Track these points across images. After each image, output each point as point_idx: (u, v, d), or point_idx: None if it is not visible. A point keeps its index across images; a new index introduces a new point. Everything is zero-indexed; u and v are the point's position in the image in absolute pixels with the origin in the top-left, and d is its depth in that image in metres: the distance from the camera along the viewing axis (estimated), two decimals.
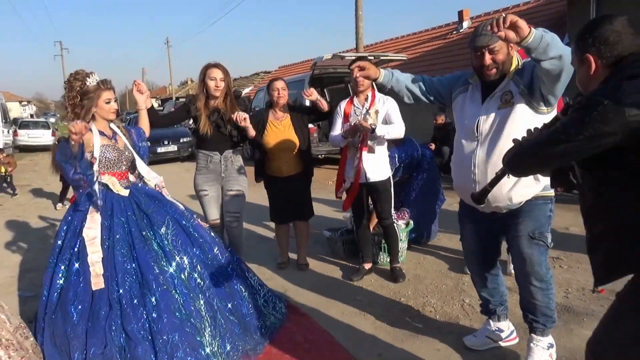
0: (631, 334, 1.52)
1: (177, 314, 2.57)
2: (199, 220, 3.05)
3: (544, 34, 2.02)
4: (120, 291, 2.56)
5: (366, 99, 3.79)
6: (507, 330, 2.80)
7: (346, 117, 3.85)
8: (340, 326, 3.16)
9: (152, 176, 3.02)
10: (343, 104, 3.92)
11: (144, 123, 3.25)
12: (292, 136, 4.00)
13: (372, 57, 9.07)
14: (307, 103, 9.48)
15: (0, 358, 2.35)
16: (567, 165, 1.73)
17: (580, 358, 2.53)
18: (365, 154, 3.74)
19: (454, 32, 14.45)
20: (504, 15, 2.00)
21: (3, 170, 9.28)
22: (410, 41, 16.18)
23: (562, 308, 3.18)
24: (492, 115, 2.39)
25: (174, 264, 2.71)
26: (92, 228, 2.66)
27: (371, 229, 4.24)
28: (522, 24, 2.00)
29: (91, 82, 2.80)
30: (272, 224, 4.53)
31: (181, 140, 14.21)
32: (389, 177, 3.90)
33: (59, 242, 2.73)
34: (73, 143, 2.56)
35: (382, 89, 2.79)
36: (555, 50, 2.03)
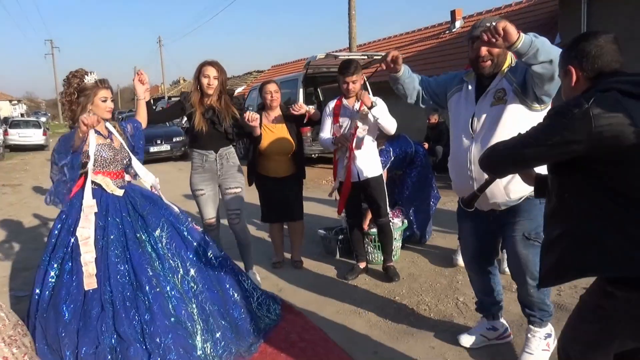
0: (589, 334, 1.63)
1: (169, 316, 2.56)
2: (193, 223, 3.05)
3: (533, 39, 2.03)
4: (113, 292, 2.55)
5: (356, 100, 3.78)
6: (501, 328, 2.82)
7: (336, 117, 3.85)
8: (335, 325, 3.17)
9: (148, 177, 3.01)
10: (332, 104, 3.91)
11: (142, 114, 3.23)
12: (287, 138, 4.01)
13: (366, 57, 9.09)
14: (301, 102, 9.47)
15: (5, 355, 2.34)
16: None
17: None
18: (355, 153, 3.74)
19: (447, 31, 14.50)
20: (494, 24, 2.01)
21: None
22: (403, 41, 16.21)
23: (555, 306, 3.19)
24: (486, 112, 2.41)
25: (167, 266, 2.71)
26: (86, 227, 2.64)
27: (365, 227, 4.25)
28: (511, 29, 2.01)
29: (89, 80, 2.80)
30: (266, 224, 4.53)
31: (174, 140, 14.16)
32: (381, 174, 3.91)
33: (53, 241, 2.72)
34: (81, 135, 2.59)
35: (395, 83, 2.72)
36: (545, 55, 2.05)
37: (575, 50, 1.63)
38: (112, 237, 2.67)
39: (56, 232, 2.74)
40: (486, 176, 2.14)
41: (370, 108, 3.54)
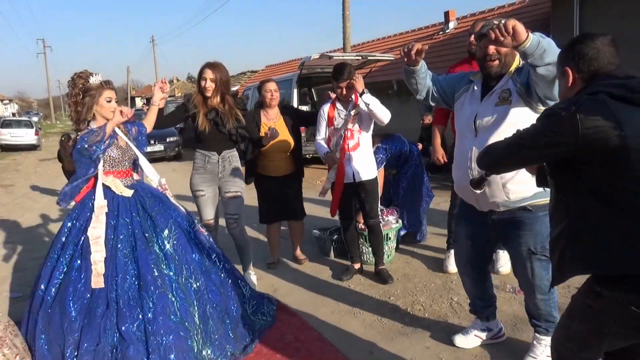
0: (580, 333, 1.67)
1: (172, 316, 2.58)
2: (199, 225, 3.07)
3: (541, 40, 2.02)
4: (119, 291, 2.58)
5: (349, 102, 3.79)
6: (495, 328, 2.84)
7: (330, 120, 3.86)
8: (330, 325, 3.18)
9: (154, 176, 3.03)
10: (326, 108, 3.91)
11: (150, 120, 3.25)
12: (287, 137, 4.03)
13: (360, 57, 9.10)
14: (295, 104, 9.48)
15: None
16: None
17: None
18: (350, 155, 3.76)
19: (441, 32, 14.55)
20: (503, 22, 1.99)
21: None
22: (397, 41, 16.23)
23: (563, 308, 3.20)
24: (490, 112, 2.39)
25: (173, 267, 2.73)
26: (97, 228, 2.69)
27: (360, 225, 4.24)
28: (520, 28, 1.99)
29: (94, 80, 2.85)
30: (263, 225, 4.53)
31: (168, 140, 14.11)
32: (376, 177, 3.91)
33: (62, 239, 2.77)
34: (114, 126, 2.75)
35: (409, 76, 2.66)
36: (552, 57, 2.02)
37: (573, 52, 1.66)
38: (121, 236, 2.71)
39: (66, 230, 2.78)
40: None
41: (361, 95, 3.55)
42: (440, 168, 4.07)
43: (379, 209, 3.98)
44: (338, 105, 3.84)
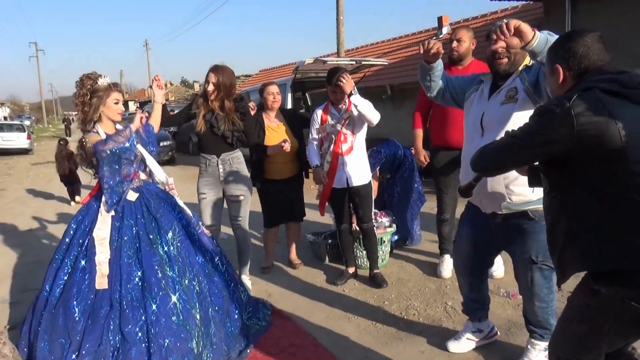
0: (578, 335, 1.66)
1: (174, 318, 2.59)
2: (203, 227, 3.07)
3: (549, 37, 2.02)
4: (122, 292, 2.59)
5: (343, 105, 3.79)
6: (486, 329, 2.84)
7: (322, 123, 3.87)
8: (324, 330, 3.17)
9: (161, 176, 3.04)
10: (319, 112, 3.92)
11: (156, 118, 3.25)
12: (290, 139, 4.03)
13: (354, 62, 9.11)
14: (289, 107, 9.47)
15: None
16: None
17: None
18: (344, 159, 3.76)
19: (434, 37, 14.62)
20: (506, 21, 2.00)
21: None
22: (391, 46, 16.30)
23: (559, 313, 3.21)
24: (496, 110, 2.38)
25: (176, 269, 2.73)
26: (103, 229, 2.72)
27: (355, 227, 4.23)
28: (526, 28, 2.00)
29: (102, 82, 2.87)
30: (259, 228, 4.52)
31: (161, 144, 14.03)
32: (370, 182, 3.92)
33: (67, 240, 2.80)
34: (136, 128, 2.84)
35: (425, 73, 2.64)
36: None
37: (563, 50, 1.66)
38: (125, 238, 2.72)
39: (71, 232, 2.81)
40: None
41: (349, 96, 3.57)
42: (430, 172, 4.10)
43: (372, 213, 3.98)
44: (331, 108, 3.85)
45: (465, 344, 2.81)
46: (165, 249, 2.75)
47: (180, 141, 16.51)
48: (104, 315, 2.56)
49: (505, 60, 2.37)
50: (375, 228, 4.05)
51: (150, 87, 3.29)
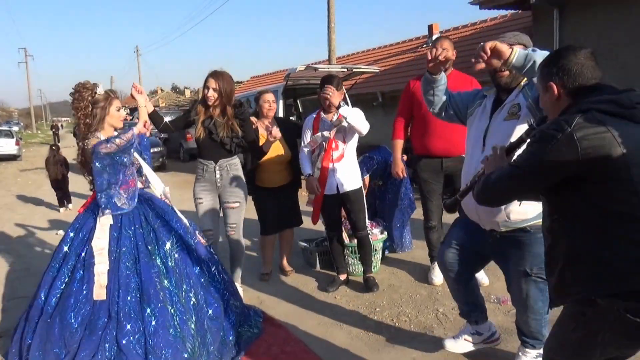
0: (573, 342, 1.66)
1: (171, 330, 2.57)
2: (200, 237, 3.06)
3: (530, 53, 2.06)
4: (120, 303, 2.57)
5: (334, 114, 3.82)
6: (486, 332, 2.82)
7: (315, 130, 3.88)
8: (316, 337, 3.17)
9: (158, 184, 3.02)
10: (311, 120, 3.94)
11: (142, 119, 3.22)
12: (284, 147, 4.06)
13: (345, 69, 9.16)
14: (280, 115, 9.49)
15: None
16: None
17: None
18: (334, 165, 3.77)
19: (424, 45, 14.73)
20: (482, 44, 2.06)
21: None
22: (382, 53, 16.39)
23: (553, 320, 3.22)
24: (498, 126, 2.38)
25: (173, 280, 2.72)
26: (102, 238, 2.69)
27: (346, 239, 4.25)
28: (502, 47, 2.06)
29: (100, 91, 2.86)
30: (251, 236, 4.51)
31: (152, 151, 13.94)
32: (361, 187, 3.94)
33: (65, 248, 2.76)
34: (138, 132, 2.80)
35: (428, 86, 2.61)
36: None
37: (556, 67, 1.66)
38: (124, 249, 2.70)
39: (68, 240, 2.77)
40: None
41: (338, 108, 3.61)
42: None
43: (366, 221, 3.99)
44: (323, 115, 3.87)
45: (462, 344, 2.80)
46: (164, 260, 2.74)
47: (171, 148, 16.45)
48: (101, 326, 2.54)
49: (507, 73, 2.37)
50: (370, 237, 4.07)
51: (132, 96, 3.26)
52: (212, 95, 3.53)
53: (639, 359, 1.78)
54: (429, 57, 2.48)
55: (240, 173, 3.78)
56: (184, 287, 2.76)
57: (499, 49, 2.07)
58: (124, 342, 2.49)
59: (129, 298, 2.59)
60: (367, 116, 3.78)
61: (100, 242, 2.68)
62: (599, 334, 1.57)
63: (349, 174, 3.82)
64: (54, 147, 9.06)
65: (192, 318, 2.69)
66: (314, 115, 3.95)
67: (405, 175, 4.13)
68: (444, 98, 2.66)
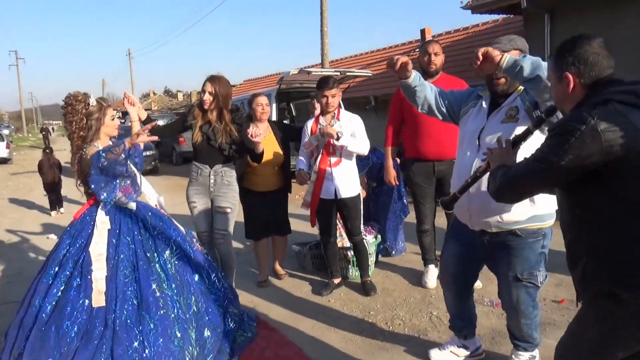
0: (592, 339, 1.62)
1: (172, 338, 2.54)
2: (198, 244, 3.05)
3: (518, 59, 2.13)
4: (117, 312, 2.53)
5: (333, 117, 3.83)
6: (472, 346, 2.83)
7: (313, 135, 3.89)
8: (310, 341, 3.16)
9: (152, 194, 3.02)
10: (309, 124, 3.95)
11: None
12: (276, 151, 4.05)
13: (338, 73, 9.18)
14: (274, 119, 9.50)
15: None
16: None
17: None
18: (332, 170, 3.78)
19: (417, 49, 14.80)
20: (476, 50, 2.13)
21: None
22: (375, 57, 16.45)
23: (545, 323, 3.22)
24: (495, 128, 2.37)
25: (174, 287, 2.70)
26: (100, 244, 2.66)
27: (339, 244, 4.25)
28: (493, 52, 2.14)
29: (92, 102, 2.83)
30: (244, 239, 4.49)
31: (144, 154, 13.88)
32: (359, 194, 3.93)
33: (61, 255, 2.70)
34: (130, 145, 2.73)
35: (406, 89, 2.63)
36: (530, 72, 2.09)
37: (572, 56, 1.61)
38: (122, 256, 2.67)
39: (65, 246, 2.72)
40: (483, 188, 2.15)
41: (337, 139, 3.62)
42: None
43: (361, 226, 4.00)
44: (321, 120, 3.87)
45: (448, 356, 2.80)
46: (163, 267, 2.72)
47: (163, 151, 16.39)
48: (97, 335, 2.49)
49: (503, 80, 2.38)
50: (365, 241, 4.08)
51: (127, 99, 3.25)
52: (207, 98, 3.52)
53: None
54: (390, 69, 2.53)
55: (234, 179, 3.77)
56: (185, 294, 2.74)
57: (490, 55, 2.14)
58: (120, 351, 2.44)
59: (126, 306, 2.55)
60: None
61: (99, 247, 2.64)
62: (620, 328, 1.54)
63: (347, 180, 3.81)
64: (47, 151, 9.03)
65: (192, 326, 2.67)
66: (313, 120, 3.97)
67: (397, 182, 4.14)
68: (430, 98, 2.65)
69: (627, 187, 1.51)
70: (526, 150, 1.95)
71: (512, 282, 2.42)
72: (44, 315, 2.57)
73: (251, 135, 3.46)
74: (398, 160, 5.13)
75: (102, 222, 2.71)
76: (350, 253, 4.21)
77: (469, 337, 2.82)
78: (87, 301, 2.55)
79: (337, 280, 4.09)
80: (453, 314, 2.82)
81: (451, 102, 2.67)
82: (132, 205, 2.82)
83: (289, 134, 4.27)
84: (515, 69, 2.12)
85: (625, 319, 1.53)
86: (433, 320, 3.38)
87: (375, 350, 3.01)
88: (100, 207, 2.76)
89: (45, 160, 8.70)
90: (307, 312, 3.62)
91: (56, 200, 8.51)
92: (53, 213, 8.38)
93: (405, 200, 4.88)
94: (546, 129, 2.07)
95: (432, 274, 4.01)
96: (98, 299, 2.55)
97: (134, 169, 2.93)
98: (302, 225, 6.13)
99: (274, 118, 9.81)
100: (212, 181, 3.66)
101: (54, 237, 6.21)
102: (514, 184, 1.73)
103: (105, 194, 2.71)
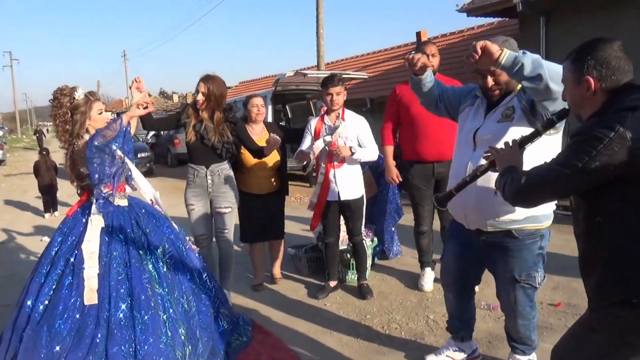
0: (598, 345, 1.60)
1: (162, 337, 2.51)
2: (191, 243, 3.02)
3: (519, 55, 2.05)
4: (110, 311, 2.50)
5: (337, 117, 3.81)
6: (468, 350, 2.81)
7: (317, 134, 3.86)
8: (306, 344, 3.14)
9: (148, 189, 2.96)
10: (314, 122, 3.93)
11: (133, 120, 3.16)
12: (273, 153, 3.99)
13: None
14: (269, 120, 9.48)
15: None
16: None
17: None
18: (335, 172, 3.76)
19: (413, 52, 14.80)
20: (474, 43, 2.05)
21: None
22: (370, 60, 16.46)
23: (543, 326, 3.21)
24: (491, 127, 2.36)
25: (165, 286, 2.66)
26: (92, 241, 2.61)
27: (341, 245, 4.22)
28: (492, 47, 2.05)
29: (79, 95, 2.77)
30: (239, 242, 4.46)
31: (139, 156, 13.84)
32: (362, 196, 3.91)
33: (52, 253, 2.67)
34: (129, 119, 2.65)
35: (416, 85, 2.62)
36: (531, 70, 2.03)
37: (594, 60, 1.56)
38: (115, 253, 2.63)
39: (56, 244, 2.69)
40: (480, 190, 2.13)
41: (352, 155, 3.65)
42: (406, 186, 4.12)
43: (362, 227, 3.98)
44: (326, 119, 3.85)
45: None
46: (155, 265, 2.69)
47: (158, 153, 16.33)
48: (89, 334, 2.45)
49: (497, 92, 2.37)
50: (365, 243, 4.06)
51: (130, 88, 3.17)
52: (200, 98, 3.52)
53: None
54: (407, 65, 2.52)
55: (232, 178, 3.75)
56: (176, 293, 2.70)
57: (489, 49, 2.05)
58: (114, 350, 2.41)
59: (119, 305, 2.52)
60: None
61: (91, 245, 2.60)
62: (628, 336, 1.52)
63: (350, 182, 3.80)
64: (44, 152, 8.90)
65: (183, 325, 2.64)
66: (317, 118, 3.95)
67: (400, 179, 4.12)
68: (435, 94, 2.64)
69: None
70: (527, 150, 1.93)
71: (511, 283, 2.41)
72: (36, 315, 2.54)
73: (268, 142, 3.47)
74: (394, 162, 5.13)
75: (95, 219, 2.67)
76: (347, 255, 4.19)
77: (465, 340, 2.80)
78: (79, 299, 2.51)
79: (333, 283, 4.07)
80: (452, 315, 2.80)
81: (450, 98, 2.67)
82: (125, 202, 2.78)
83: (285, 136, 4.25)
84: (516, 66, 2.04)
85: (635, 326, 1.51)
86: (430, 324, 3.36)
87: (372, 354, 2.99)
88: (93, 204, 2.72)
89: (42, 162, 8.60)
90: (303, 315, 3.60)
91: (51, 202, 8.44)
92: (47, 215, 8.31)
93: (399, 202, 4.87)
94: (542, 128, 2.05)
95: (429, 277, 3.99)
96: (90, 297, 2.51)
97: (129, 164, 2.89)
98: (297, 228, 6.11)
99: (269, 120, 9.80)
100: (209, 182, 3.63)
101: (47, 240, 6.13)
102: (535, 188, 1.69)
103: (98, 175, 2.66)
